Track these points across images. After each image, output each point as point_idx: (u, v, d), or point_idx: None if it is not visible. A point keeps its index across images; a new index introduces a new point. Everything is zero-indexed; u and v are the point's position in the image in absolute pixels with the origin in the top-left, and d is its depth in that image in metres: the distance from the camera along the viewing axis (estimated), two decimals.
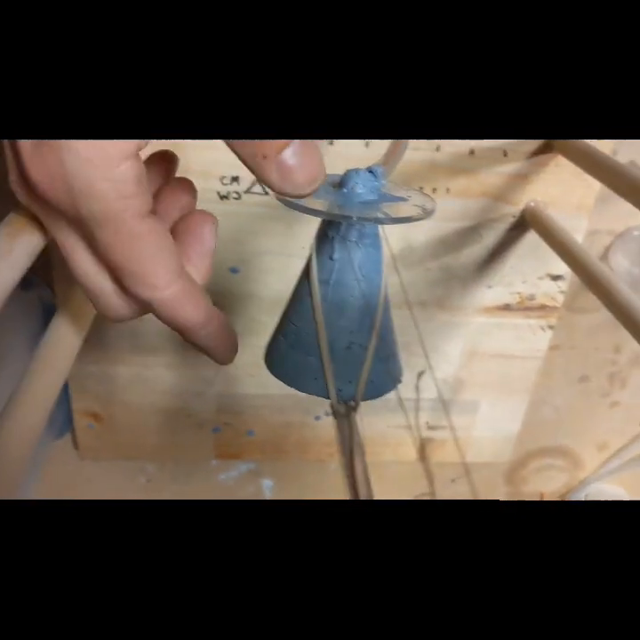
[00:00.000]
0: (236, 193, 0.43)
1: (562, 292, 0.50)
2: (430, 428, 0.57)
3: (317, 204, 0.23)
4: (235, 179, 0.43)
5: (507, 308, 0.50)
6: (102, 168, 0.19)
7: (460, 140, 0.42)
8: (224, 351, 0.26)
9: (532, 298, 0.50)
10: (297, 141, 0.20)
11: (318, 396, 0.24)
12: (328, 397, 0.24)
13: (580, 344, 0.55)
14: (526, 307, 0.50)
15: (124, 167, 0.19)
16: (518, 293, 0.50)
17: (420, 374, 0.53)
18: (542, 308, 0.50)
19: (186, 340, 0.24)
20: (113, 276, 0.22)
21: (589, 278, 0.40)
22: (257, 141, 0.20)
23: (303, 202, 0.22)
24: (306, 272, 0.25)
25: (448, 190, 0.45)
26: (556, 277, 0.49)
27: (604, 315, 0.54)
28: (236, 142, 0.20)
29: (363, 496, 0.21)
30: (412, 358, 0.45)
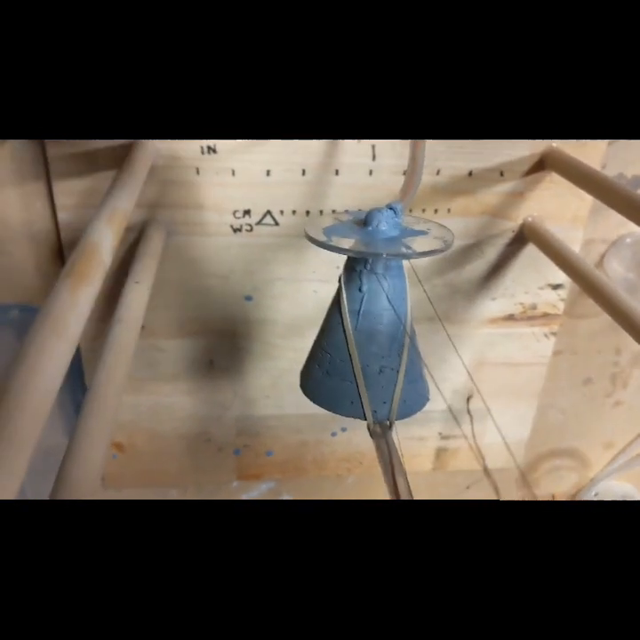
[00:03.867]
0: (248, 225, 0.45)
1: (562, 300, 0.52)
2: (443, 437, 0.59)
3: (346, 242, 0.25)
4: (246, 212, 0.45)
5: (511, 318, 0.52)
6: None
7: (459, 164, 0.45)
8: None
9: (534, 307, 0.52)
10: None
11: (355, 417, 0.26)
12: (364, 419, 0.26)
13: (581, 348, 0.57)
14: (529, 316, 0.52)
15: None
16: (521, 304, 0.52)
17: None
18: (544, 316, 0.53)
19: None
20: None
21: (588, 285, 0.42)
22: None
23: (333, 242, 0.24)
24: (336, 303, 0.27)
25: (449, 210, 0.47)
26: (555, 286, 0.51)
27: (603, 319, 0.56)
28: None
29: None
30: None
